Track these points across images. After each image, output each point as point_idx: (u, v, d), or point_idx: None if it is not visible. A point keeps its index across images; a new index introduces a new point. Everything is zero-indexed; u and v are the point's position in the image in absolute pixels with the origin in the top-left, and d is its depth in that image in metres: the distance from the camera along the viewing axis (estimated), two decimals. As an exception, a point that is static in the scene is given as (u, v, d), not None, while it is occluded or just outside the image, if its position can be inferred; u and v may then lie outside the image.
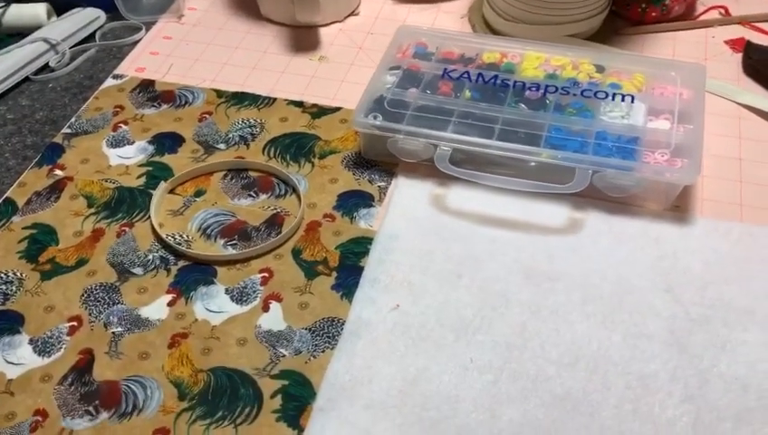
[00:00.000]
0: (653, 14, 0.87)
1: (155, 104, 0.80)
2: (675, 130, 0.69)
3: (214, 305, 0.61)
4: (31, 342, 0.59)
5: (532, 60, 0.78)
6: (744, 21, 0.89)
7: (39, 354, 0.58)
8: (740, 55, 0.85)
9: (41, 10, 0.88)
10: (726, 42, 0.87)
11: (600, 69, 0.77)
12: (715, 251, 0.65)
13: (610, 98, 0.72)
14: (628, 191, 0.67)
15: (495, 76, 0.75)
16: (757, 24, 0.89)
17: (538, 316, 0.61)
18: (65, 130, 0.77)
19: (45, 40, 0.85)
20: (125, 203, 0.70)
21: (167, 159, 0.74)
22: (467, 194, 0.70)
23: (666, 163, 0.67)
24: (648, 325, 0.60)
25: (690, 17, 0.90)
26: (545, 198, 0.69)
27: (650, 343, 0.59)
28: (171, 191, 0.71)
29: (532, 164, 0.68)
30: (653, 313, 0.61)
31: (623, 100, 0.72)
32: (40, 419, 0.54)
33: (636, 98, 0.72)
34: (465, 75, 0.75)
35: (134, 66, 0.85)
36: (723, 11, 0.91)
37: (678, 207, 0.68)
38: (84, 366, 0.57)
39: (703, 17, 0.90)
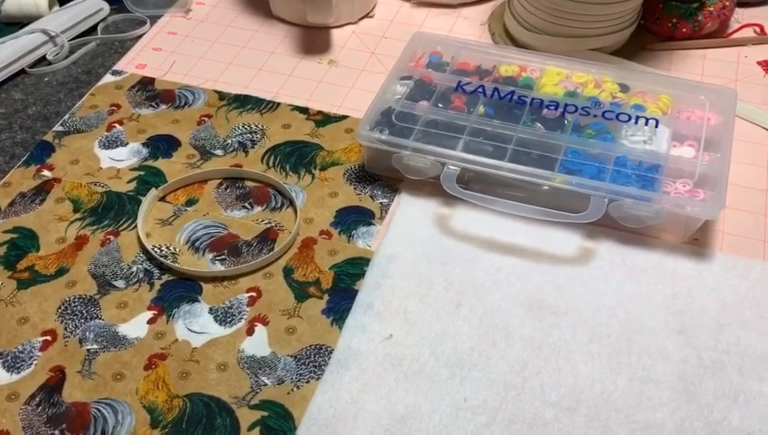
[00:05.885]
0: (684, 29, 0.83)
1: (153, 104, 0.77)
2: (700, 159, 0.66)
3: (196, 325, 0.58)
4: (0, 356, 0.56)
5: (553, 75, 0.74)
6: (780, 41, 0.85)
7: (8, 370, 0.55)
8: (773, 78, 0.81)
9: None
10: (759, 63, 0.83)
11: (624, 88, 0.73)
12: (734, 291, 0.61)
13: (633, 121, 0.69)
14: (644, 222, 0.63)
15: (512, 92, 0.71)
16: (794, 46, 0.84)
17: (540, 354, 0.57)
18: (57, 127, 0.75)
19: (44, 31, 0.82)
20: (112, 209, 0.67)
21: (160, 163, 0.71)
22: (473, 216, 0.67)
23: (687, 194, 0.64)
24: (657, 369, 0.56)
25: (723, 34, 0.86)
26: (556, 224, 0.66)
27: (658, 389, 0.55)
28: (162, 199, 0.68)
29: (545, 188, 0.65)
30: (663, 356, 0.57)
31: (647, 123, 0.68)
32: (2, 441, 0.52)
33: (660, 122, 0.69)
34: (480, 89, 0.72)
35: (135, 62, 0.83)
36: (758, 29, 0.87)
37: (697, 240, 0.65)
38: (54, 385, 0.55)
39: (736, 35, 0.86)
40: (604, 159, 0.66)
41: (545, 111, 0.70)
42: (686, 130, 0.69)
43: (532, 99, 0.71)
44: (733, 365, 0.57)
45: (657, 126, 0.68)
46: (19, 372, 0.55)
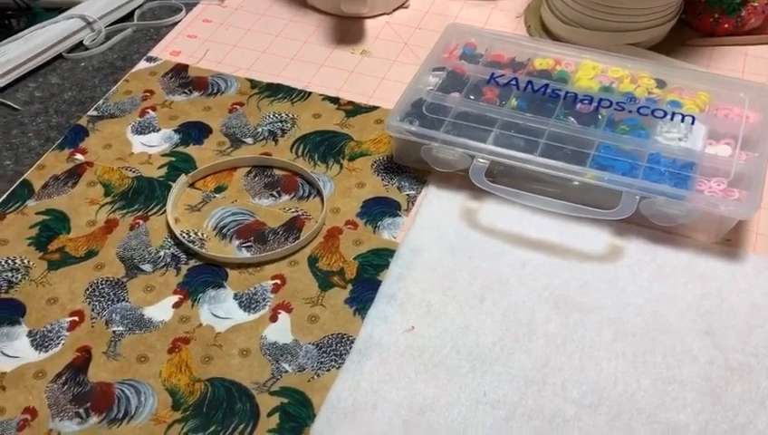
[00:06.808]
0: (725, 25, 0.81)
1: (186, 91, 0.78)
2: (736, 158, 0.64)
3: (220, 311, 0.59)
4: (30, 334, 0.57)
5: (588, 70, 0.73)
6: (826, 39, 0.82)
7: (36, 349, 0.57)
8: (817, 77, 0.78)
9: (81, -15, 0.87)
10: (803, 60, 0.80)
11: (660, 84, 0.72)
12: (766, 293, 0.60)
13: (669, 117, 0.67)
14: (676, 221, 0.62)
15: (546, 85, 0.70)
16: (839, 43, 0.82)
17: (563, 351, 0.56)
18: (91, 112, 0.76)
19: (82, 17, 0.83)
20: (143, 194, 0.67)
21: (191, 149, 0.71)
22: (501, 210, 0.66)
23: (722, 194, 0.62)
24: (682, 370, 0.55)
25: (766, 31, 0.83)
26: (585, 220, 0.65)
27: (682, 390, 0.54)
28: (191, 185, 0.69)
29: (576, 183, 0.64)
30: (689, 357, 0.56)
31: (683, 120, 0.67)
32: (28, 417, 0.53)
33: (697, 119, 0.67)
34: (513, 82, 0.71)
35: (169, 49, 0.83)
36: (804, 26, 0.84)
37: (729, 240, 0.63)
38: (80, 365, 0.56)
39: (780, 31, 0.83)
40: (637, 156, 0.65)
41: (579, 105, 0.69)
42: (723, 127, 0.67)
43: (566, 93, 0.70)
44: (761, 368, 0.55)
45: (693, 123, 0.67)
46: (47, 351, 0.56)
